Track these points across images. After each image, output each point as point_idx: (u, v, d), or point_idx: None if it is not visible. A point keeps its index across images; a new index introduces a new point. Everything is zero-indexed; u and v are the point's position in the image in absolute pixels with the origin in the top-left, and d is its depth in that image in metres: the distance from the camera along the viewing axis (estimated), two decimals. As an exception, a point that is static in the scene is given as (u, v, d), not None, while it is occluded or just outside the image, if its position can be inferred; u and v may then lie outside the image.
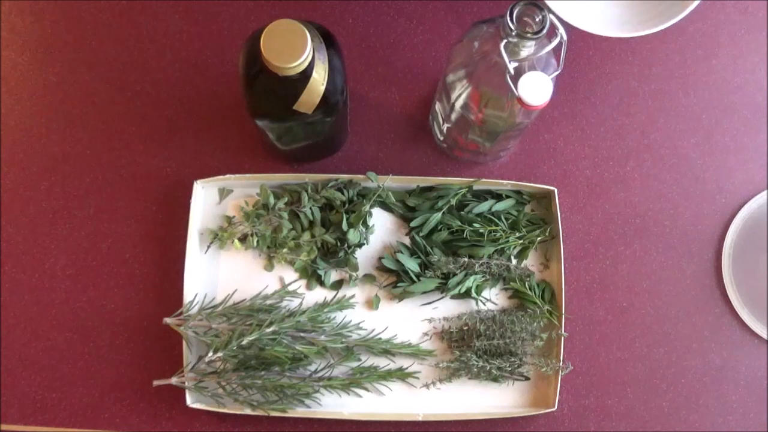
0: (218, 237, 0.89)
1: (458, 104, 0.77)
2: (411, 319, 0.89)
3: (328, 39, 0.72)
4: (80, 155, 0.92)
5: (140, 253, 0.90)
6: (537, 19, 0.65)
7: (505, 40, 0.66)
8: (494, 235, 0.88)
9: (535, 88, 0.68)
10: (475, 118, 0.77)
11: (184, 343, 0.85)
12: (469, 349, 0.87)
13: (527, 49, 0.67)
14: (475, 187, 0.90)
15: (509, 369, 0.86)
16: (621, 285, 0.92)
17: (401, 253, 0.89)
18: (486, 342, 0.86)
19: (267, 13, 0.95)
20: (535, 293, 0.88)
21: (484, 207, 0.89)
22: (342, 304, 0.88)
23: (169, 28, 0.94)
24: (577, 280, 0.92)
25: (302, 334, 0.84)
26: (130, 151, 0.92)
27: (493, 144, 0.84)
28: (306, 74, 0.68)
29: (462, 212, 0.89)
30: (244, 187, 0.90)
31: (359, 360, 0.87)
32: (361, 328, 0.88)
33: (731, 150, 0.95)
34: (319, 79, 0.70)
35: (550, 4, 0.86)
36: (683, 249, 0.93)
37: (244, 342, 0.82)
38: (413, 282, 0.88)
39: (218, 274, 0.89)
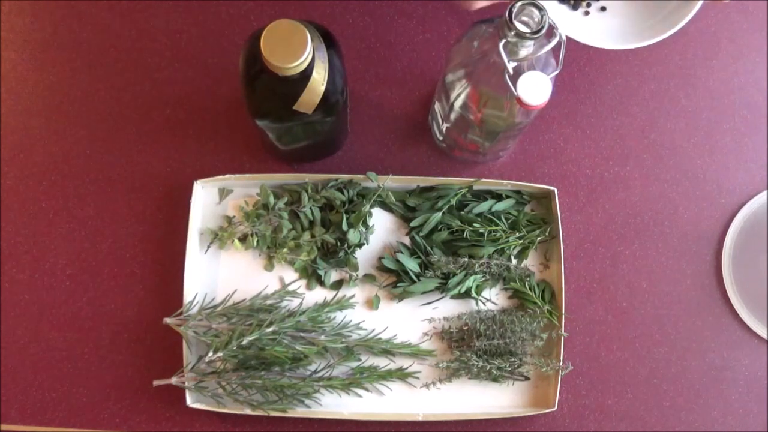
0: (218, 237, 0.89)
1: (457, 104, 0.77)
2: (411, 319, 0.89)
3: (328, 39, 0.72)
4: (80, 155, 0.92)
5: (140, 253, 0.90)
6: (536, 19, 0.65)
7: (504, 40, 0.66)
8: (494, 235, 0.88)
9: (534, 88, 0.68)
10: (475, 117, 0.77)
11: (184, 343, 0.85)
12: (469, 349, 0.87)
13: (526, 48, 0.67)
14: (475, 187, 0.90)
15: (509, 369, 0.86)
16: (621, 285, 0.92)
17: (401, 253, 0.89)
18: (486, 342, 0.86)
19: (267, 13, 0.95)
20: (535, 293, 0.88)
21: (484, 207, 0.89)
22: (342, 304, 0.88)
23: (169, 28, 0.94)
24: (577, 280, 0.91)
25: (302, 334, 0.85)
26: (130, 151, 0.92)
27: (493, 144, 0.84)
28: (306, 74, 0.68)
29: (462, 212, 0.89)
30: (244, 187, 0.90)
31: (359, 360, 0.87)
32: (361, 328, 0.88)
33: (731, 150, 0.95)
34: (319, 79, 0.70)
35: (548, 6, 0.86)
36: (683, 249, 0.93)
37: (244, 342, 0.82)
38: (413, 282, 0.88)
39: (218, 274, 0.89)
